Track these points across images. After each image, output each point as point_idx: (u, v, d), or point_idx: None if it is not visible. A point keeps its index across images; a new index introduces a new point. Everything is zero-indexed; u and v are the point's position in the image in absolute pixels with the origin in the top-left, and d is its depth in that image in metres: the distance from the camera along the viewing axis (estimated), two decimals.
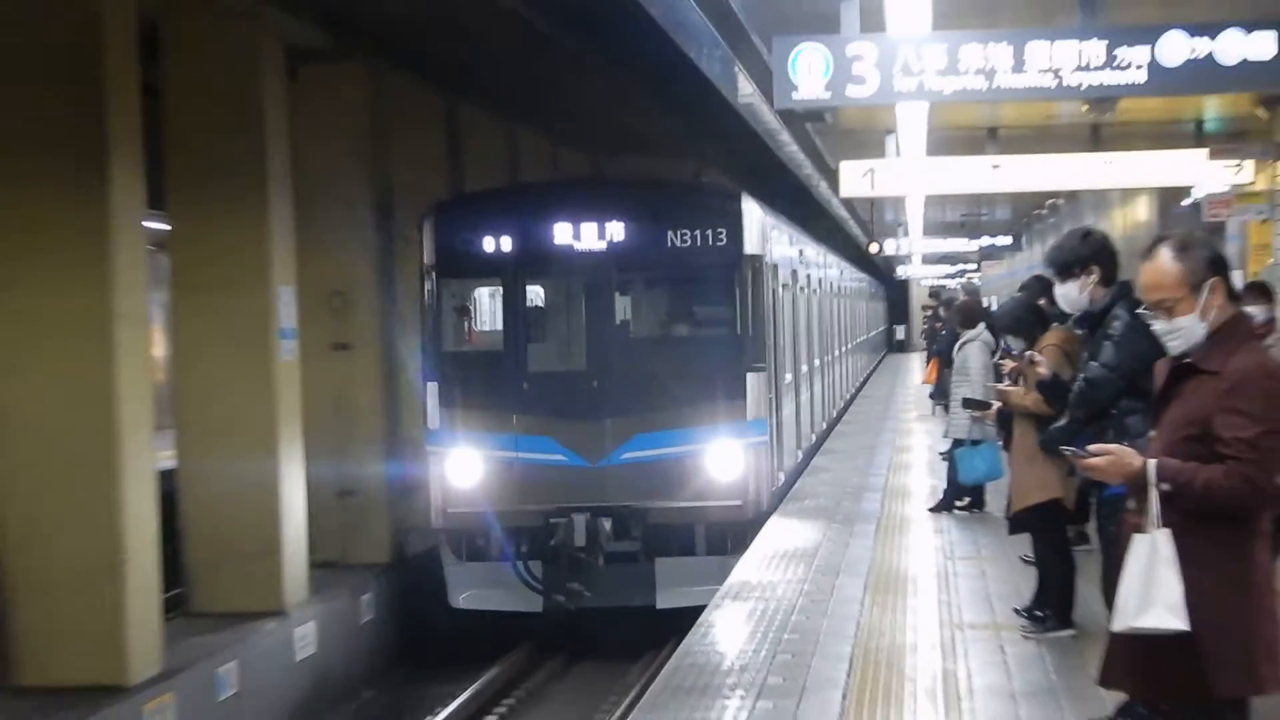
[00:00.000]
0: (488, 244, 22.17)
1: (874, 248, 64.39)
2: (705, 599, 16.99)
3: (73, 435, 18.19)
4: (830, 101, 16.82)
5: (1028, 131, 26.60)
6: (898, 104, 19.16)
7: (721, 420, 21.53)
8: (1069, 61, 15.30)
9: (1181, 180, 28.00)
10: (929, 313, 52.17)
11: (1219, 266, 8.76)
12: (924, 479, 28.55)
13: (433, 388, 22.23)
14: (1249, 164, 26.33)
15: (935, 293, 57.78)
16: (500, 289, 23.27)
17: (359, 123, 24.92)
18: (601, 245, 21.85)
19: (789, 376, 27.77)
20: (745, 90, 24.78)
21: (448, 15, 21.84)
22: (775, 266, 25.41)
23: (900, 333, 74.99)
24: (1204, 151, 26.61)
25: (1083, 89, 15.62)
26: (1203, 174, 27.10)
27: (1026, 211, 48.80)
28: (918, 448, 34.28)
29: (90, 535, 18.09)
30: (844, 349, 46.63)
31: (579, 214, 21.94)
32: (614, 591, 21.19)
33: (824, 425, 37.10)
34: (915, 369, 54.32)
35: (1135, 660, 8.75)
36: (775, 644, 16.48)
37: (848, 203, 45.72)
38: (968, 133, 26.24)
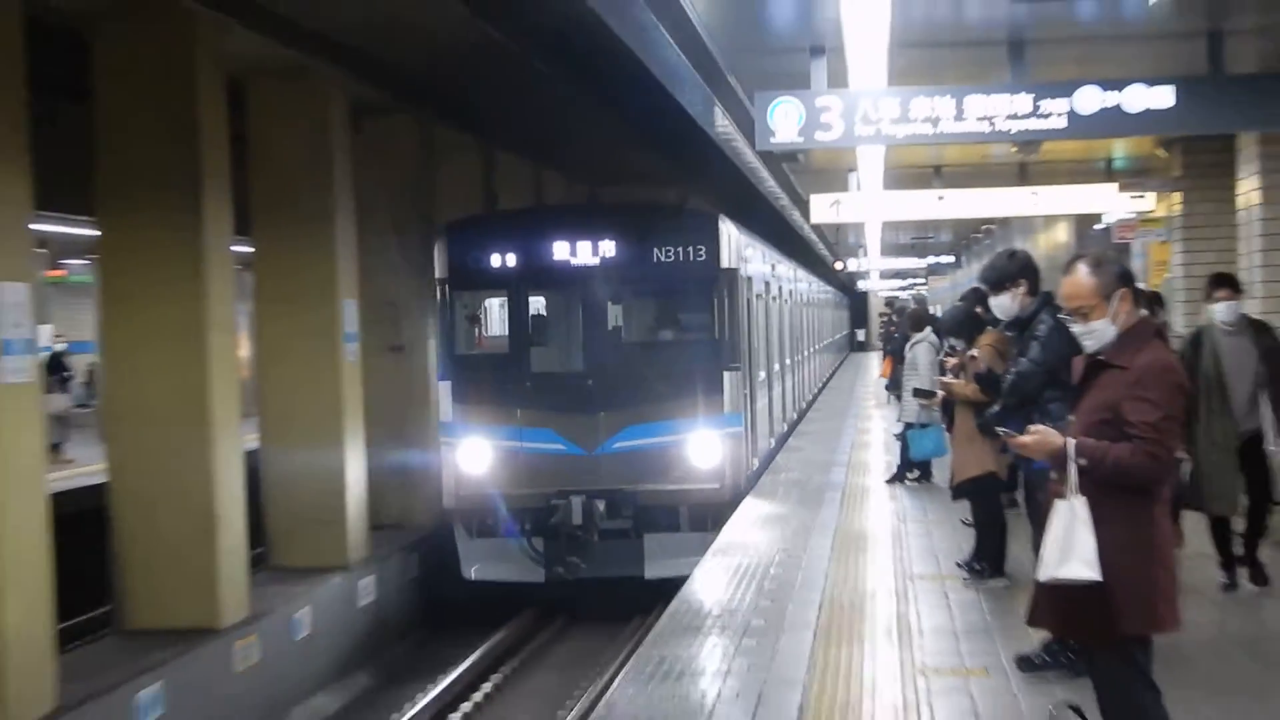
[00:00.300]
0: (494, 259, 21.92)
1: (839, 265, 64.78)
2: (688, 570, 16.81)
3: (175, 421, 18.28)
4: (802, 145, 16.81)
5: (967, 169, 26.56)
6: (858, 146, 19.13)
7: (702, 413, 21.28)
8: (1001, 111, 15.29)
9: (1095, 209, 28.02)
10: (885, 319, 52.14)
11: (1126, 279, 8.89)
12: (881, 456, 28.55)
13: (445, 386, 22.13)
14: (1151, 195, 26.36)
15: (890, 302, 57.84)
16: (506, 299, 22.89)
17: (409, 163, 24.82)
18: (595, 261, 21.59)
19: (762, 374, 27.28)
20: (731, 133, 24.74)
21: (483, 74, 21.74)
22: (749, 279, 24.96)
23: (861, 335, 75.36)
24: (1114, 185, 26.64)
25: (1012, 134, 15.63)
26: (1112, 203, 27.14)
27: (966, 235, 48.73)
28: (875, 430, 34.23)
29: (189, 503, 18.17)
30: (812, 350, 45.91)
31: (576, 233, 21.68)
32: (607, 564, 21.04)
33: (794, 415, 36.45)
34: (874, 365, 54.21)
35: (1057, 604, 8.79)
36: (758, 592, 16.52)
37: (817, 228, 45.65)
38: (917, 170, 26.21)
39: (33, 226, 14.98)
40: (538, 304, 23.07)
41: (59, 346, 38.23)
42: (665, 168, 29.33)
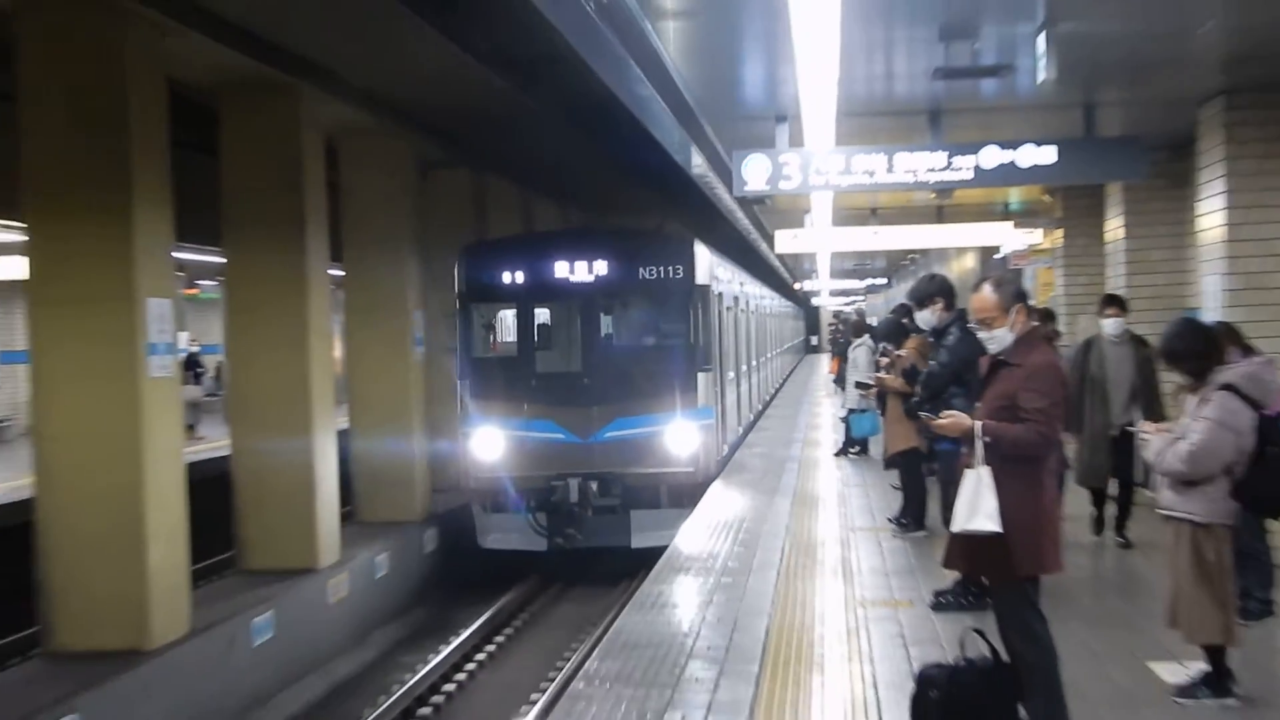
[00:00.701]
0: (505, 277, 21.41)
1: (797, 285, 64.70)
2: (668, 540, 16.29)
3: (283, 407, 18.42)
4: (768, 192, 16.80)
5: (896, 210, 26.48)
6: (812, 193, 19.10)
7: (679, 407, 20.67)
8: (922, 166, 15.28)
9: (995, 242, 27.97)
10: (833, 327, 52.01)
11: (1021, 296, 9.11)
12: (829, 435, 28.45)
13: (464, 384, 21.58)
14: (1038, 231, 26.29)
15: (837, 314, 57.68)
16: (515, 310, 22.47)
17: (463, 204, 24.86)
18: (590, 278, 21.05)
19: (731, 374, 26.47)
20: (713, 180, 24.71)
21: (518, 135, 22.09)
22: (720, 294, 24.43)
23: (815, 340, 75.26)
24: (1010, 223, 26.52)
25: (931, 183, 15.62)
26: (1008, 238, 27.06)
27: (895, 262, 48.57)
28: (825, 415, 34.10)
29: (294, 469, 18.28)
30: (774, 353, 45.19)
31: (574, 254, 21.16)
32: (599, 536, 20.65)
33: (760, 406, 35.59)
34: (824, 364, 54.08)
35: (966, 550, 8.90)
36: (733, 541, 16.53)
37: (780, 256, 45.60)
38: (858, 211, 26.09)
39: (174, 254, 14.98)
40: (542, 315, 22.54)
41: (193, 348, 38.21)
42: (658, 203, 29.08)
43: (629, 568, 18.66)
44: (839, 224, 27.12)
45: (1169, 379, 10.25)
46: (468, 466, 21.15)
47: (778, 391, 45.01)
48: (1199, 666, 9.88)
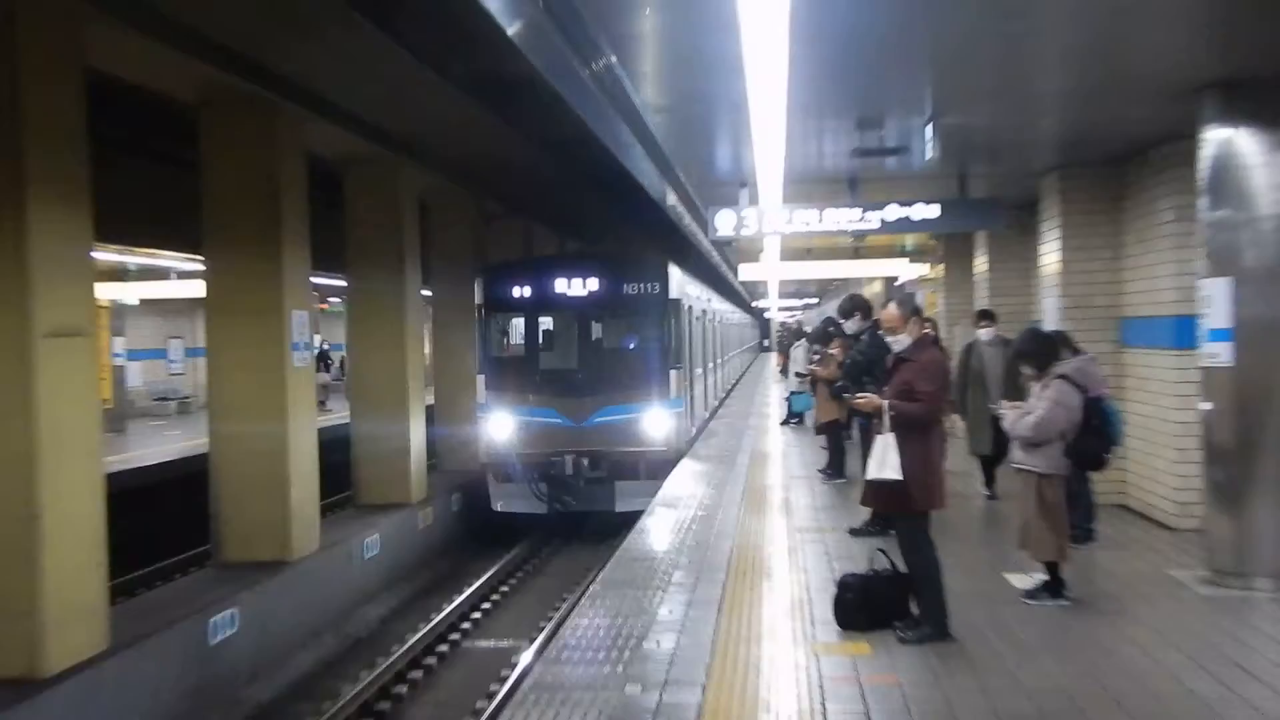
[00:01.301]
0: (515, 292, 20.32)
1: (754, 302, 64.60)
2: (646, 505, 15.13)
3: (387, 389, 18.47)
4: (733, 236, 16.75)
5: (825, 249, 26.36)
6: (764, 237, 19.04)
7: (655, 398, 19.65)
8: (844, 218, 15.22)
9: (895, 273, 27.92)
10: (780, 332, 51.96)
11: (916, 311, 9.27)
12: (776, 410, 28.41)
13: (481, 378, 20.34)
14: (926, 265, 26.21)
15: (783, 324, 57.69)
16: (523, 319, 21.13)
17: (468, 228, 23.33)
18: (584, 292, 20.05)
19: (699, 370, 25.03)
20: (694, 227, 24.55)
21: (517, 173, 20.53)
22: (690, 307, 23.03)
23: (766, 343, 75.02)
24: (906, 259, 26.53)
25: (849, 231, 15.59)
26: (905, 270, 27.04)
27: (824, 286, 48.51)
28: (773, 396, 34.04)
29: (395, 432, 18.26)
30: (734, 352, 43.99)
31: (571, 273, 20.14)
32: (590, 501, 19.56)
33: (723, 393, 34.13)
34: (774, 360, 54.11)
35: (877, 493, 9.02)
36: (707, 485, 16.48)
37: (743, 282, 45.49)
38: (798, 249, 26.00)
39: (310, 279, 14.95)
40: (545, 322, 21.24)
41: (324, 346, 38.25)
42: (652, 240, 28.35)
43: (614, 528, 17.70)
44: (785, 259, 27.07)
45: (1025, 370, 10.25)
46: (484, 444, 20.16)
47: (739, 380, 44.70)
48: (1040, 576, 9.92)
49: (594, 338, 20.69)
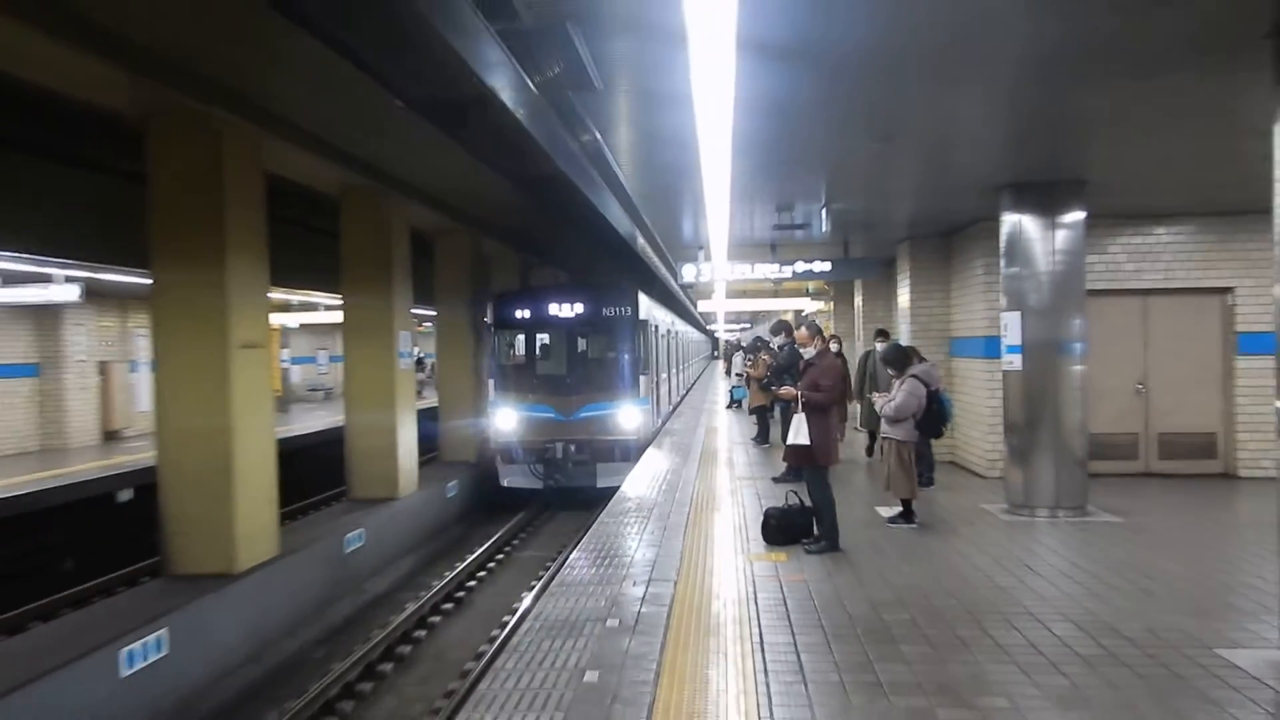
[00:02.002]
0: (518, 314, 18.32)
1: (709, 325, 64.18)
2: (621, 482, 13.61)
3: (463, 381, 18.34)
4: (695, 282, 16.89)
5: (756, 288, 26.38)
6: (715, 282, 19.04)
7: (628, 397, 17.71)
8: (768, 270, 15.33)
9: (802, 307, 27.93)
10: (725, 346, 51.77)
11: (819, 332, 9.22)
12: (722, 399, 28.39)
13: (491, 382, 18.33)
14: (821, 302, 26.22)
15: (727, 341, 57.42)
16: (524, 335, 18.80)
17: (476, 266, 21.72)
18: (572, 314, 18.20)
19: (663, 374, 22.63)
20: (667, 275, 24.32)
21: (514, 214, 18.50)
22: (656, 325, 20.84)
23: (716, 353, 74.35)
24: (809, 297, 26.57)
25: (772, 279, 15.64)
26: (809, 304, 27.09)
27: (755, 315, 48.52)
28: (720, 391, 33.97)
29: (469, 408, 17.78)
30: (690, 362, 41.35)
31: (562, 299, 18.28)
32: (576, 479, 17.51)
33: (683, 391, 31.77)
34: (721, 365, 53.95)
35: (793, 453, 9.09)
36: (672, 451, 16.48)
37: (701, 312, 45.13)
38: (740, 288, 25.99)
39: (412, 311, 14.89)
40: (542, 338, 19.03)
41: (421, 355, 38.04)
42: (632, 277, 25.94)
43: (594, 501, 15.89)
44: (729, 296, 27.02)
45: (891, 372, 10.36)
46: (493, 433, 18.26)
47: (695, 382, 43.95)
48: (898, 509, 9.97)
49: (580, 350, 19.04)
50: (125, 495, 15.21)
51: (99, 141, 11.04)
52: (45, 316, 19.81)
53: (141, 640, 8.30)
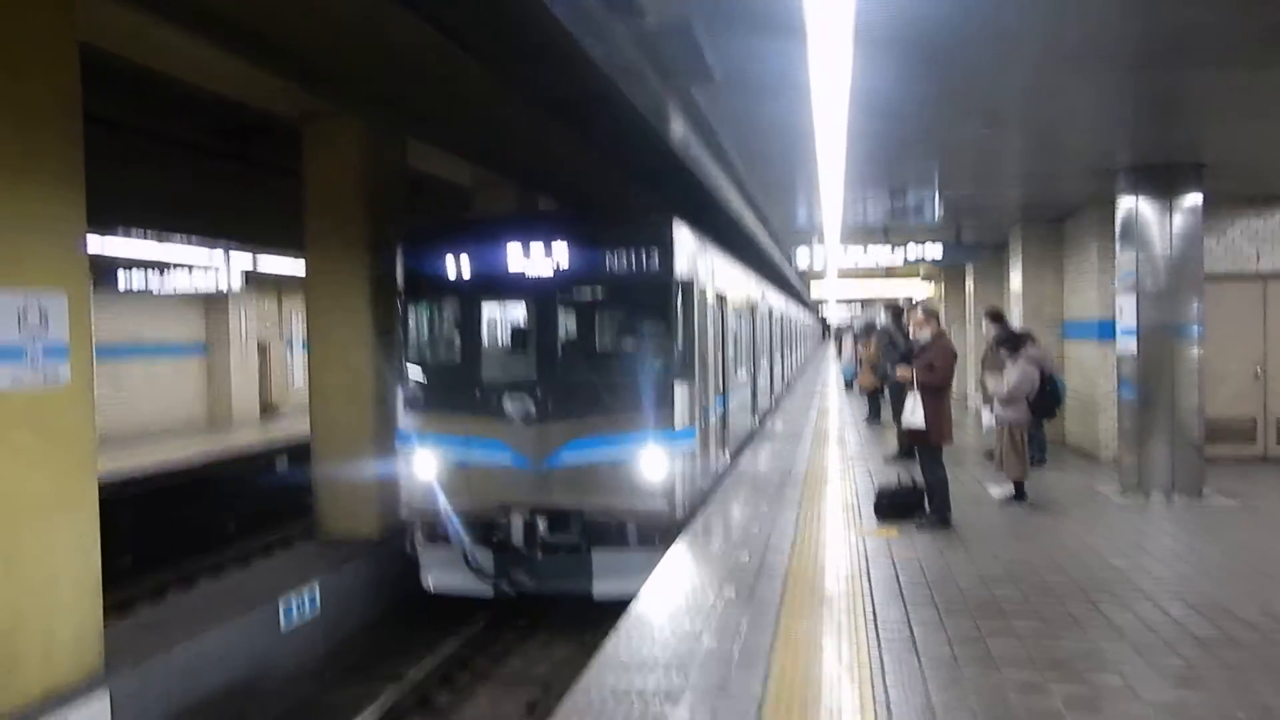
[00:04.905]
0: (448, 266, 9.29)
1: (821, 309, 63.18)
2: (635, 589, 6.72)
3: (355, 388, 17.94)
4: (808, 266, 16.70)
5: (868, 272, 25.89)
6: (827, 266, 18.80)
7: (654, 425, 8.76)
8: (880, 254, 15.09)
9: (914, 292, 27.37)
10: (836, 329, 50.61)
11: (935, 316, 9.02)
12: (835, 378, 28.11)
13: (401, 397, 9.68)
14: (933, 285, 25.64)
15: (838, 325, 56.24)
16: (459, 306, 10.07)
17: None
18: (547, 269, 9.03)
19: (735, 375, 12.61)
20: (782, 260, 24.03)
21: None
22: (710, 290, 10.48)
23: (826, 334, 73.03)
24: (919, 279, 26.02)
25: (881, 264, 15.39)
26: (919, 288, 26.53)
27: (867, 298, 47.60)
28: (833, 367, 33.69)
29: None
30: (794, 349, 33.20)
31: (526, 237, 9.08)
32: (553, 578, 8.77)
33: (774, 398, 27.04)
34: (833, 347, 53.41)
35: (910, 434, 8.89)
36: (789, 425, 16.35)
37: (815, 298, 44.39)
38: (849, 274, 25.52)
39: None
40: (491, 313, 8.28)
41: None
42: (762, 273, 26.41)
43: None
44: (840, 278, 26.56)
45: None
46: (404, 492, 9.79)
47: (806, 363, 43.15)
48: (1010, 489, 9.75)
49: (562, 335, 9.62)
50: (282, 465, 15.88)
51: (265, 143, 11.56)
52: (213, 300, 20.73)
53: (297, 597, 8.67)
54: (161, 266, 16.94)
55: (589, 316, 10.15)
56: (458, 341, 9.64)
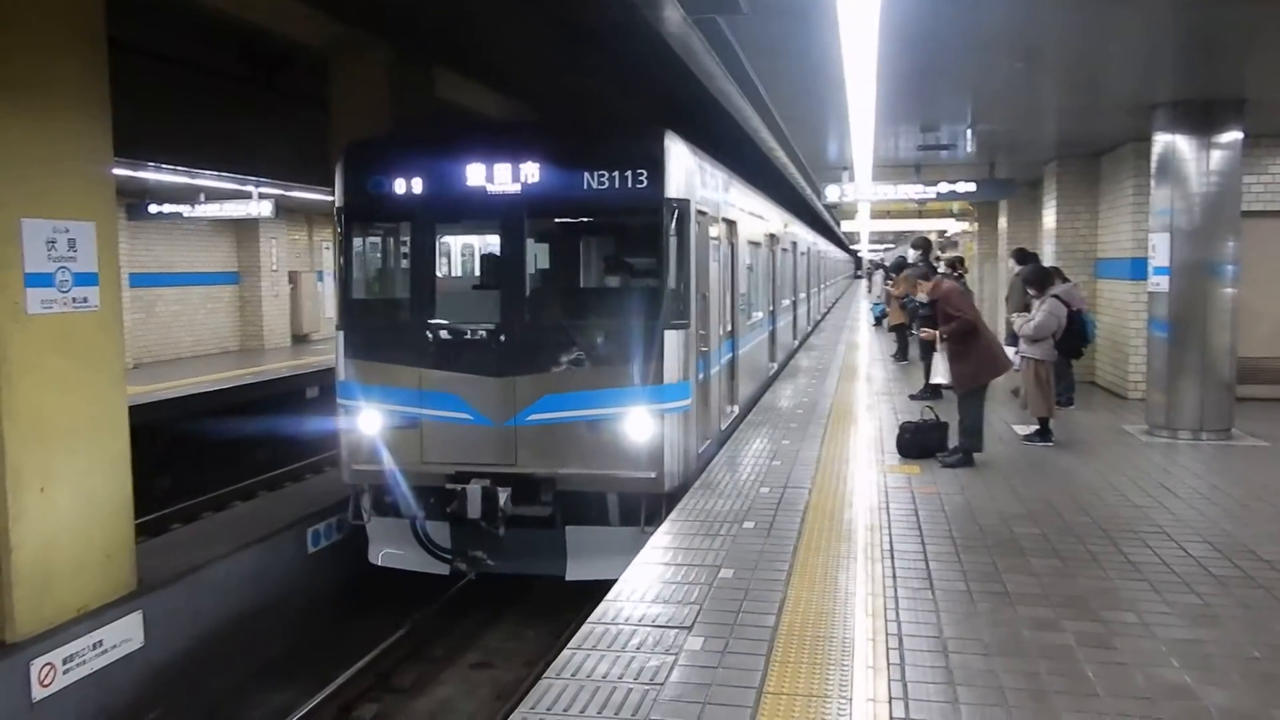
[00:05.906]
0: (396, 184, 7.84)
1: (853, 246, 62.41)
2: (616, 571, 5.71)
3: None
4: (839, 201, 16.47)
5: (898, 210, 25.56)
6: (860, 202, 18.57)
7: (641, 380, 7.35)
8: (912, 191, 14.84)
9: (946, 228, 27.03)
10: (868, 266, 50.00)
11: (926, 275, 9.12)
12: (865, 316, 27.95)
13: (340, 341, 8.02)
14: (966, 223, 25.29)
15: (870, 261, 55.66)
16: (410, 234, 8.39)
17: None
18: (513, 186, 7.47)
19: (749, 319, 11.23)
20: (813, 196, 23.70)
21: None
22: (714, 217, 8.80)
23: (859, 271, 72.23)
24: (953, 218, 25.65)
25: (915, 198, 15.15)
26: (952, 225, 26.18)
27: (898, 235, 47.24)
28: (863, 307, 33.49)
29: None
30: (823, 286, 30.59)
31: (489, 154, 7.60)
32: (520, 557, 7.55)
33: (834, 298, 30.55)
34: (864, 285, 52.94)
35: (951, 378, 8.69)
36: (816, 361, 16.30)
37: (846, 233, 43.83)
38: (883, 208, 25.22)
39: None
40: (445, 243, 9.18)
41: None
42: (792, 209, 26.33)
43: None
44: (873, 217, 26.27)
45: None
46: (344, 451, 8.85)
47: (838, 299, 42.55)
48: (1035, 427, 9.69)
49: (531, 270, 8.21)
50: (313, 393, 16.02)
51: (290, 70, 11.43)
52: (244, 229, 20.79)
53: (325, 522, 8.82)
54: (192, 196, 16.96)
55: (564, 248, 8.79)
56: (407, 278, 7.97)
